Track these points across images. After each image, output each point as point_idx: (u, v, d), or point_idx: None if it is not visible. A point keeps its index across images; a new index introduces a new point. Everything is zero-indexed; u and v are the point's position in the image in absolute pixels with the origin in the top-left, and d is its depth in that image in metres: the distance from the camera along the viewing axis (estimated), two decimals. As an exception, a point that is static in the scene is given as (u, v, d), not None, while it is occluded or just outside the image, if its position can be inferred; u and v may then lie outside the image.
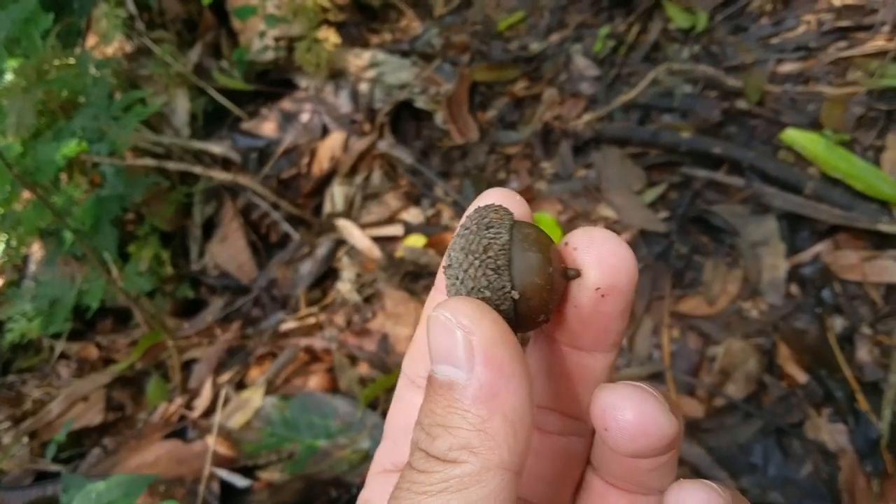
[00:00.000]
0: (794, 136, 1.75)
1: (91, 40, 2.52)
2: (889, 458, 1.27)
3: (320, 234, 2.20)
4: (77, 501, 1.08)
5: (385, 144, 2.33)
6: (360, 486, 0.49)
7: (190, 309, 2.28)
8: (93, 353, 2.15)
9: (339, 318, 1.92)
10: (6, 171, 1.53)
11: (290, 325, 1.97)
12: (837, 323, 1.47)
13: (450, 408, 0.34)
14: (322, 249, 2.14)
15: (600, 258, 0.39)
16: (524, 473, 0.34)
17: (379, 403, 1.62)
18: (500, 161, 2.20)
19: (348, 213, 2.23)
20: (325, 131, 2.46)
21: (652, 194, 1.86)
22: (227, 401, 1.73)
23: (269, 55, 2.57)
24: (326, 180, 2.35)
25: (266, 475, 1.55)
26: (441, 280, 0.44)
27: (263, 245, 2.32)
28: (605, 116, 2.11)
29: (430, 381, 0.36)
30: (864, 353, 1.41)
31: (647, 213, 1.83)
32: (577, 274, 0.39)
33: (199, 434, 1.67)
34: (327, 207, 2.29)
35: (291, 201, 2.31)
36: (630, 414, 0.36)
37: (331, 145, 2.40)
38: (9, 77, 1.91)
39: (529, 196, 2.01)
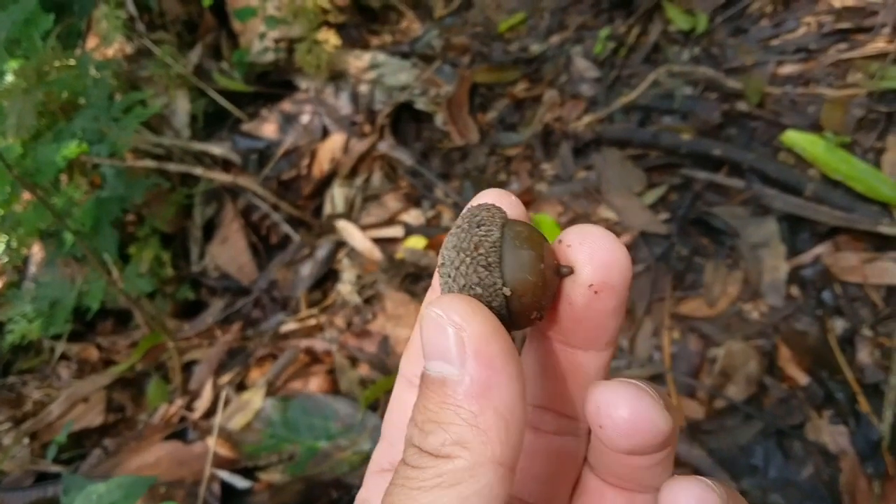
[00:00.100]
0: (795, 138, 1.75)
1: (91, 41, 2.52)
2: (890, 459, 1.27)
3: (320, 235, 2.20)
4: (78, 503, 1.08)
5: (385, 146, 2.33)
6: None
7: (190, 310, 2.28)
8: (93, 354, 2.15)
9: (340, 320, 1.92)
10: (6, 172, 1.53)
11: (290, 326, 1.97)
12: (838, 325, 1.48)
13: (443, 404, 0.34)
14: (322, 251, 2.14)
15: (593, 255, 0.39)
16: (519, 473, 0.34)
17: (379, 405, 1.62)
18: (500, 163, 2.21)
19: (349, 214, 2.23)
20: (325, 133, 2.46)
21: (652, 196, 1.86)
22: (227, 402, 1.73)
23: (270, 57, 2.57)
24: (327, 182, 2.35)
25: (266, 476, 1.54)
26: (437, 280, 0.44)
27: (264, 246, 2.32)
28: (606, 118, 2.12)
29: (423, 378, 0.36)
30: (864, 354, 1.41)
31: (647, 214, 1.83)
32: (570, 271, 0.39)
33: (199, 435, 1.67)
34: (327, 209, 2.29)
35: (292, 203, 2.31)
36: (624, 411, 0.36)
37: (331, 147, 2.40)
38: (9, 78, 1.91)
39: (530, 197, 2.01)
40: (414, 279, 1.95)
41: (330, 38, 2.57)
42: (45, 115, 2.01)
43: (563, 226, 1.89)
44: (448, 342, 0.34)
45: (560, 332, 0.41)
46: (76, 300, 1.99)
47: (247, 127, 2.53)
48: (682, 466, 1.37)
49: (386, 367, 1.74)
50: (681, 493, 0.35)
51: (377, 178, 2.31)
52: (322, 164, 2.37)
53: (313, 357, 1.83)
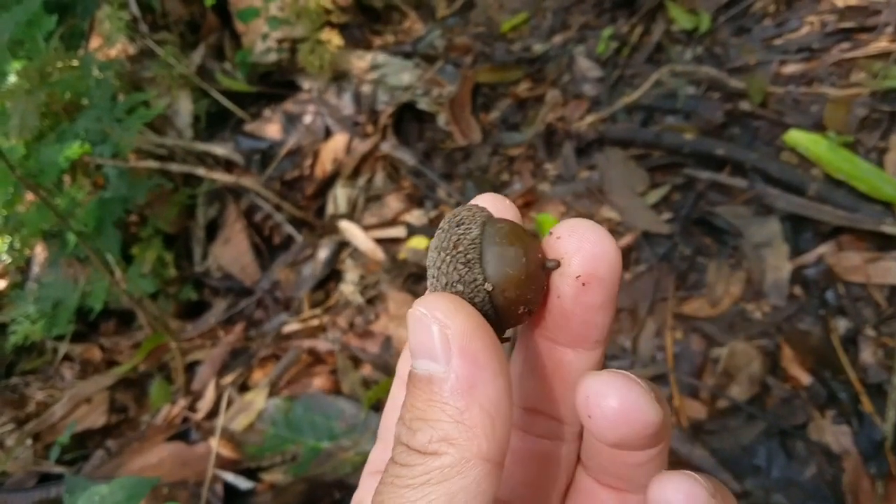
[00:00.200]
0: (798, 138, 1.75)
1: (94, 42, 2.52)
2: (893, 459, 1.27)
3: (323, 235, 2.20)
4: (81, 504, 1.08)
5: (388, 146, 2.33)
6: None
7: (193, 311, 2.29)
8: (96, 355, 2.15)
9: (343, 320, 1.92)
10: (9, 173, 1.53)
11: (293, 326, 1.97)
12: (841, 324, 1.47)
13: (429, 401, 0.34)
14: (325, 251, 2.14)
15: (581, 246, 0.39)
16: (509, 477, 0.34)
17: (382, 405, 1.62)
18: (503, 162, 2.20)
19: (351, 214, 2.24)
20: (328, 133, 2.47)
21: (655, 196, 1.86)
22: (230, 403, 1.74)
23: (272, 57, 2.57)
24: (329, 182, 2.35)
25: (269, 477, 1.55)
26: None
27: (266, 247, 2.32)
28: (609, 118, 2.11)
29: (410, 377, 0.36)
30: (867, 354, 1.41)
31: (650, 214, 1.82)
32: (557, 264, 0.39)
33: (202, 436, 1.67)
34: (330, 209, 2.29)
35: (294, 203, 2.31)
36: (614, 401, 0.35)
37: (334, 147, 2.40)
38: (12, 79, 1.91)
39: (533, 197, 2.01)
40: (416, 279, 1.95)
41: (333, 39, 2.57)
42: (48, 115, 2.01)
43: (566, 226, 1.88)
44: (433, 340, 0.34)
45: (549, 328, 0.41)
46: (79, 301, 1.99)
47: (249, 127, 2.53)
48: (685, 466, 1.36)
49: (388, 367, 1.74)
50: (669, 487, 0.34)
51: (380, 178, 2.31)
52: (325, 165, 2.37)
53: (316, 357, 1.83)
